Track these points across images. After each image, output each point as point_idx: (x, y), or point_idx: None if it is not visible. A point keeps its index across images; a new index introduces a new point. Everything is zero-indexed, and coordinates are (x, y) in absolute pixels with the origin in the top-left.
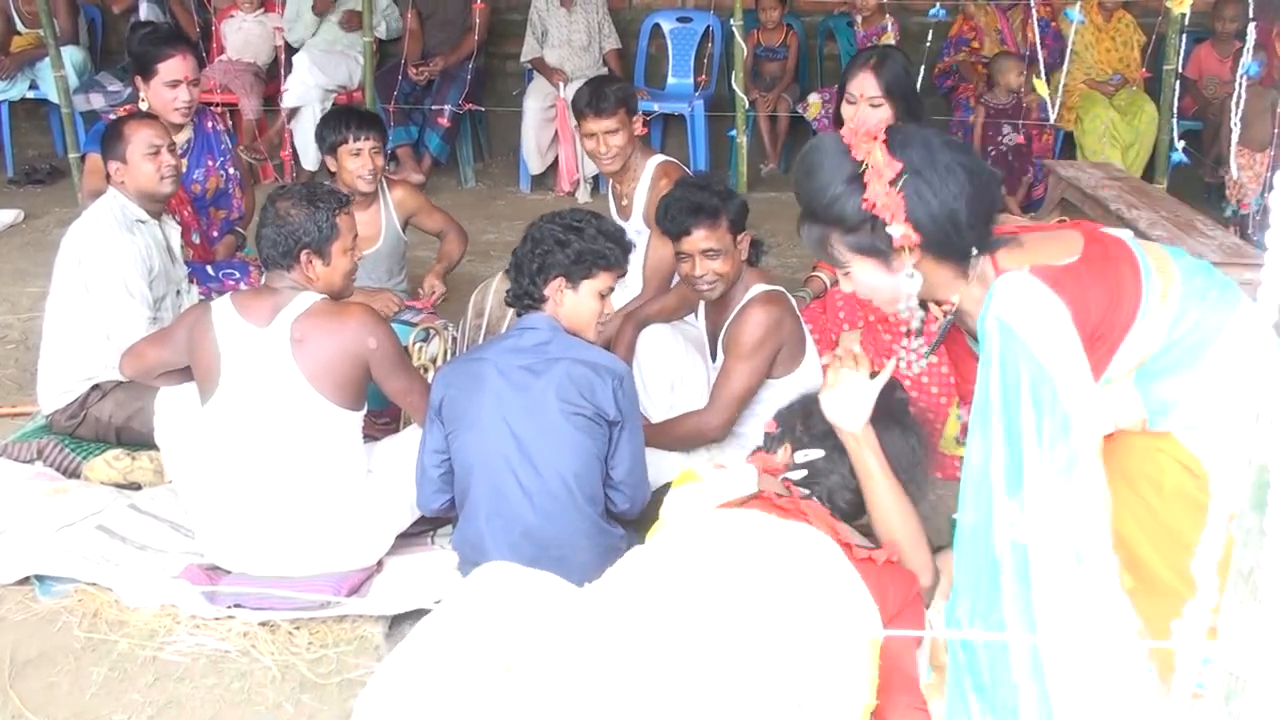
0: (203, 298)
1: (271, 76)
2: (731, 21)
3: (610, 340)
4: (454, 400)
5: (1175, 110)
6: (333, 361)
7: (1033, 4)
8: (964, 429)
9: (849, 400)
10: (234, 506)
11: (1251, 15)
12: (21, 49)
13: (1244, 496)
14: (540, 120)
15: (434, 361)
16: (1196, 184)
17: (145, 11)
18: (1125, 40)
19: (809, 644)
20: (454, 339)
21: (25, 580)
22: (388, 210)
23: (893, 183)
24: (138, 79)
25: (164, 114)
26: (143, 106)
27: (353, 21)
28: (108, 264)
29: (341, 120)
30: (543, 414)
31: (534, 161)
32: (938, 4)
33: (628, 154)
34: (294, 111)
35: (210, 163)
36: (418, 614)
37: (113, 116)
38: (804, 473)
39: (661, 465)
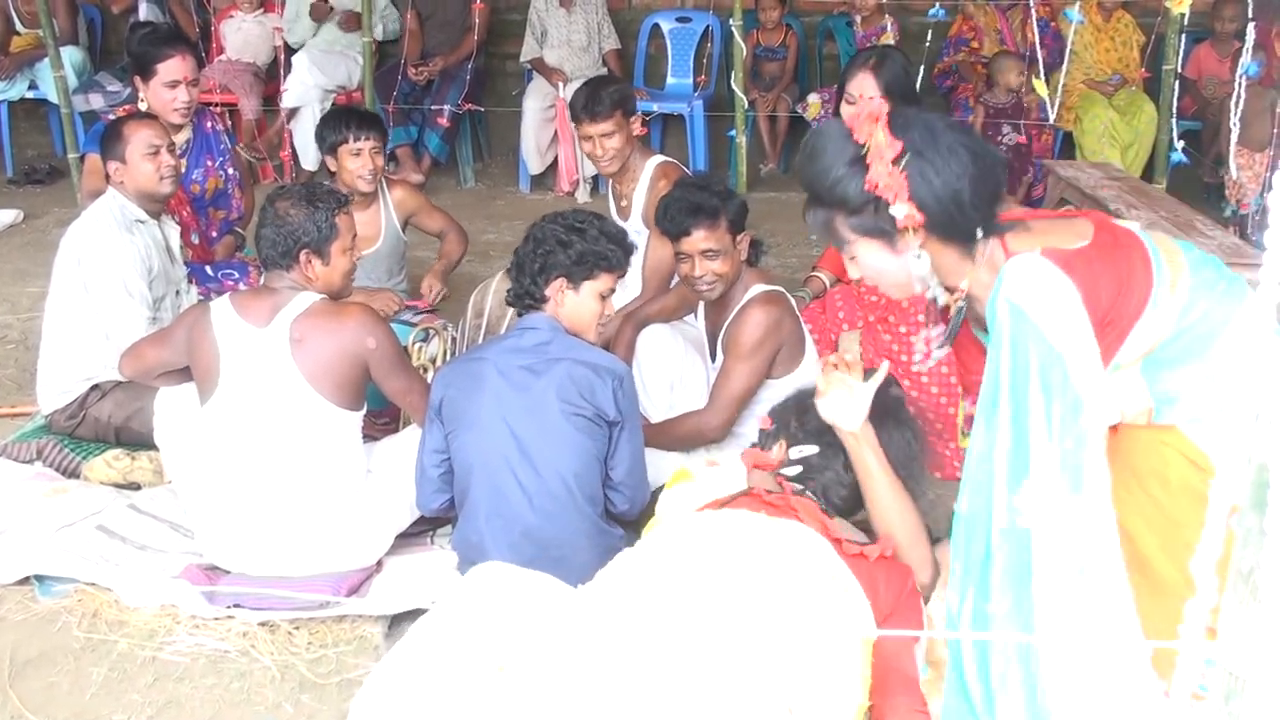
0: (202, 298)
1: (271, 76)
2: (731, 21)
3: (610, 340)
4: (454, 400)
5: (1174, 110)
6: (332, 361)
7: (1032, 4)
8: (969, 420)
9: (845, 401)
10: (233, 506)
11: (1251, 15)
12: (21, 49)
13: (1244, 496)
14: (540, 120)
15: (434, 361)
16: (1196, 184)
17: (145, 12)
18: (1124, 40)
19: (798, 646)
20: (453, 339)
21: (25, 580)
22: (387, 210)
23: (895, 162)
24: (137, 79)
25: (163, 114)
26: (142, 107)
27: (351, 22)
28: (107, 264)
29: (342, 120)
30: (543, 414)
31: (533, 161)
32: (937, 4)
33: (625, 155)
34: (293, 112)
35: (209, 163)
36: (417, 614)
37: (112, 117)
38: (799, 469)
39: (661, 465)
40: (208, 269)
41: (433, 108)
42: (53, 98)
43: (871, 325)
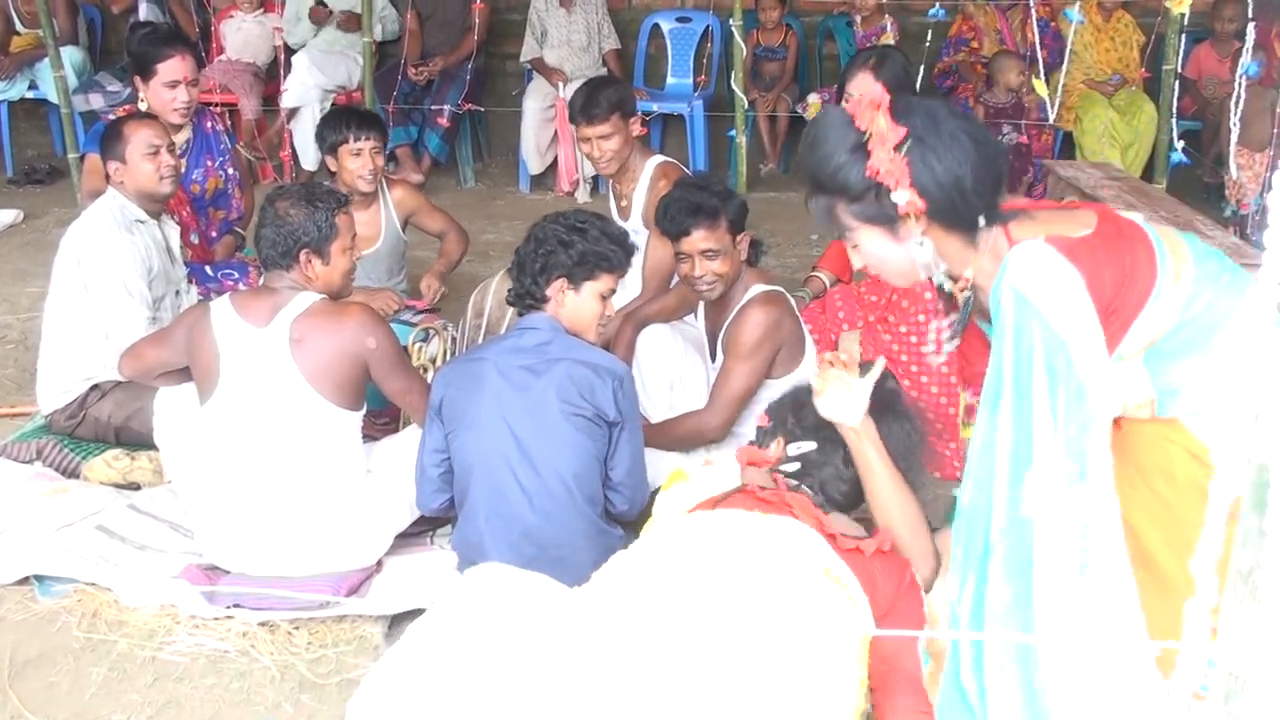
0: (201, 298)
1: (271, 76)
2: (731, 21)
3: (609, 340)
4: (454, 400)
5: (1174, 110)
6: (332, 361)
7: (1032, 4)
8: (969, 410)
9: (844, 398)
10: (233, 506)
11: (1251, 15)
12: (21, 49)
13: (1245, 495)
14: (540, 120)
15: (434, 361)
16: (1196, 184)
17: (144, 12)
18: (1124, 40)
19: (790, 649)
20: (453, 339)
21: (25, 580)
22: (387, 210)
23: (896, 149)
24: (137, 79)
25: (163, 114)
26: (142, 107)
27: (350, 23)
28: (107, 264)
29: (342, 120)
30: (543, 414)
31: (533, 161)
32: (937, 4)
33: (623, 157)
34: (293, 112)
35: (209, 163)
36: (417, 614)
37: (112, 117)
38: (797, 465)
39: (660, 465)
40: (207, 269)
41: (433, 108)
42: (53, 98)
43: (871, 325)
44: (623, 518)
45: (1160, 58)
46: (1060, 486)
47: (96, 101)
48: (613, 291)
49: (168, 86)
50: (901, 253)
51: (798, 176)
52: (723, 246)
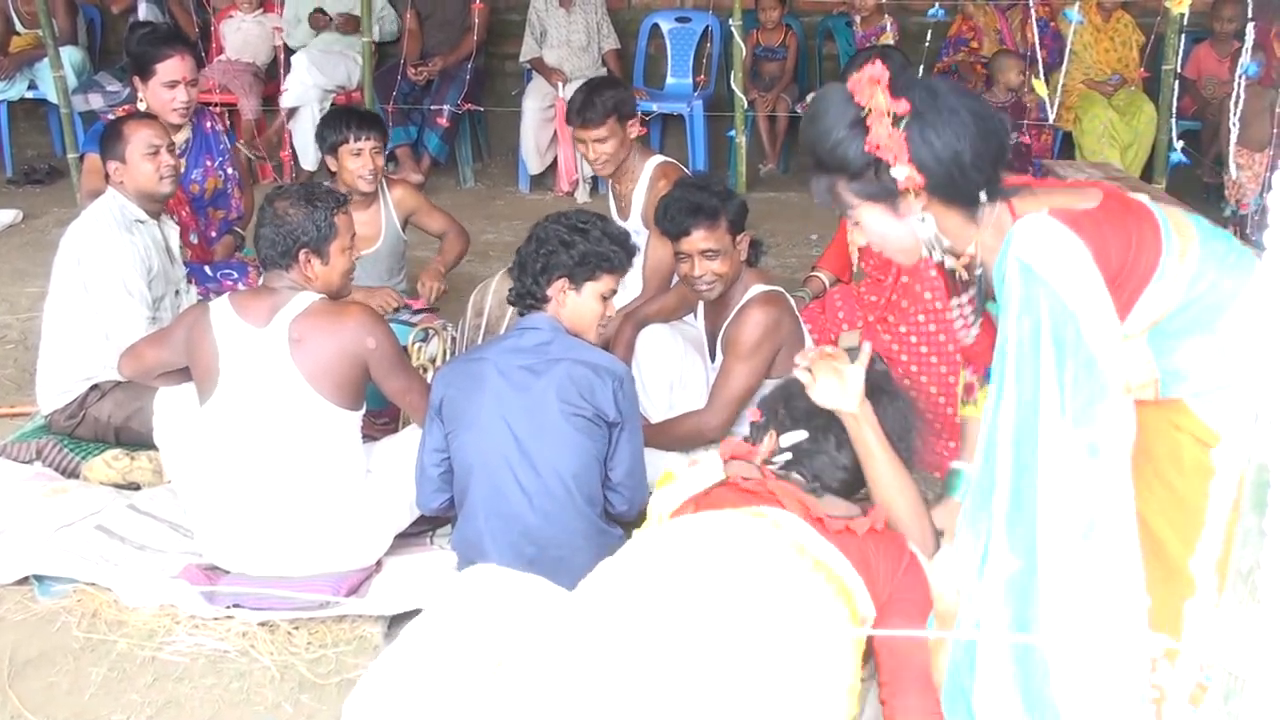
0: (201, 298)
1: (270, 76)
2: (730, 21)
3: (609, 340)
4: (454, 400)
5: (1174, 110)
6: (331, 361)
7: (1032, 4)
8: (968, 388)
9: (837, 385)
10: (233, 506)
11: (1250, 15)
12: (20, 49)
13: (1244, 496)
14: (539, 120)
15: (433, 361)
16: (1195, 184)
17: (144, 12)
18: (1124, 40)
19: (771, 661)
20: (453, 339)
21: (24, 580)
22: (387, 210)
23: (895, 124)
24: (136, 79)
25: (162, 114)
26: (141, 107)
27: (349, 25)
28: (106, 264)
29: (342, 120)
30: (542, 414)
31: (533, 161)
32: (937, 4)
33: (620, 159)
34: (293, 111)
35: (209, 163)
36: (417, 614)
37: (111, 117)
38: (789, 456)
39: (660, 466)
40: (207, 269)
41: (432, 108)
42: (52, 98)
43: (871, 325)
44: (622, 518)
45: (1160, 58)
46: (1067, 458)
47: (96, 101)
48: (614, 292)
49: (167, 86)
50: (903, 229)
51: (798, 177)
52: (722, 246)
